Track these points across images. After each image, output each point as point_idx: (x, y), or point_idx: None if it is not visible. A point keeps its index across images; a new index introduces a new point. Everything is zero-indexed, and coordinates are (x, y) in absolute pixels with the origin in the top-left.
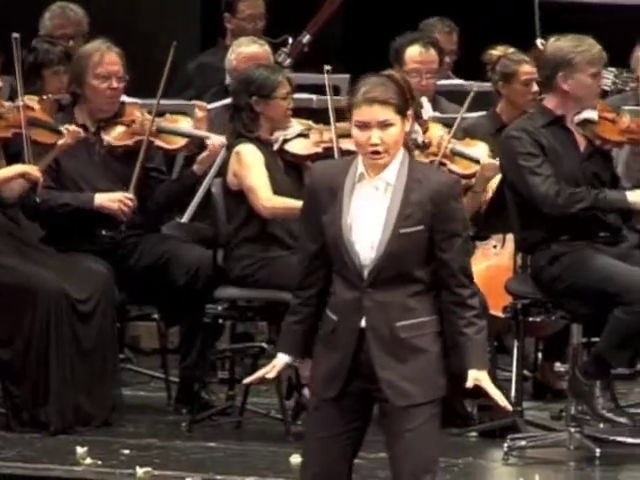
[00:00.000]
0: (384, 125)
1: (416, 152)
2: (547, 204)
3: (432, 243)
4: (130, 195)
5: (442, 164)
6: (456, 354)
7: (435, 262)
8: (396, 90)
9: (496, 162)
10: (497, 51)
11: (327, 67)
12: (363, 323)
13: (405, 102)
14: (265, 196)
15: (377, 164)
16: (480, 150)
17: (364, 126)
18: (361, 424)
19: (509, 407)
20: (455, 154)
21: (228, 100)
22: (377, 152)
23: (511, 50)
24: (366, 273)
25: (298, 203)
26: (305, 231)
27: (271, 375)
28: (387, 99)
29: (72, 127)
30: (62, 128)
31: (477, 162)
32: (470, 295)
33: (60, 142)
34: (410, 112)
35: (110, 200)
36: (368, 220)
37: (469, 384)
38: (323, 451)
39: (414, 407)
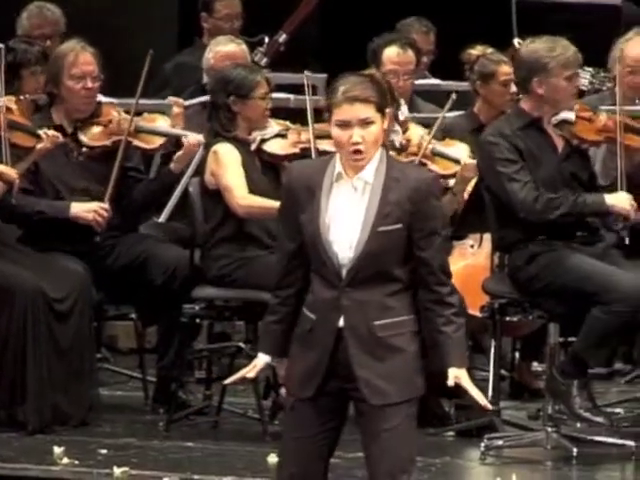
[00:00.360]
0: (365, 123)
1: (392, 153)
2: (525, 210)
3: (411, 241)
4: (105, 205)
5: (422, 164)
6: (435, 353)
7: (414, 260)
8: (375, 88)
9: (476, 162)
10: (476, 51)
11: (307, 72)
12: (341, 322)
13: (384, 100)
14: (241, 195)
15: (357, 165)
16: (460, 150)
17: (345, 125)
18: (337, 424)
19: (489, 406)
20: (435, 154)
21: (205, 97)
22: (359, 151)
23: (490, 50)
24: (344, 272)
25: (274, 203)
26: (283, 230)
27: (251, 375)
28: (368, 97)
29: (51, 132)
30: (41, 132)
31: (457, 162)
32: (449, 293)
33: (39, 146)
34: (389, 111)
35: (85, 211)
36: (346, 219)
37: (450, 382)
38: (300, 451)
39: (390, 406)
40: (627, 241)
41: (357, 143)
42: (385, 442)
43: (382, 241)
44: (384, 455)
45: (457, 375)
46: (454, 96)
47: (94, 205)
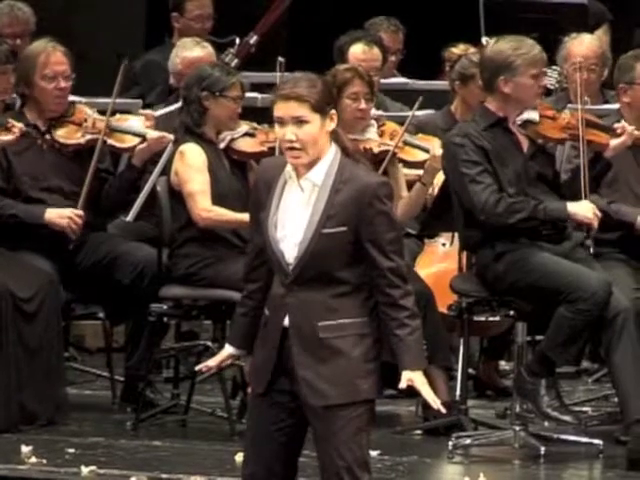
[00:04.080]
0: (298, 121)
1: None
2: (486, 213)
3: (358, 244)
4: (79, 212)
5: (394, 154)
6: (393, 354)
7: (365, 263)
8: (317, 88)
9: None
10: (458, 49)
11: (280, 59)
12: (286, 321)
13: (326, 101)
14: (203, 206)
15: (297, 163)
16: (433, 144)
17: (280, 122)
18: (294, 422)
19: (442, 409)
20: (406, 144)
21: (175, 106)
22: (292, 149)
23: (472, 50)
24: (290, 271)
25: (235, 216)
26: (252, 225)
27: (212, 364)
28: (301, 95)
29: (18, 124)
30: (9, 120)
31: (427, 151)
32: (402, 295)
33: (5, 139)
34: (334, 112)
35: (59, 217)
36: (293, 219)
37: (402, 385)
38: (258, 449)
39: (331, 409)
40: (592, 251)
41: (289, 141)
42: (330, 446)
43: (326, 243)
44: (330, 459)
45: (410, 378)
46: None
47: (68, 212)
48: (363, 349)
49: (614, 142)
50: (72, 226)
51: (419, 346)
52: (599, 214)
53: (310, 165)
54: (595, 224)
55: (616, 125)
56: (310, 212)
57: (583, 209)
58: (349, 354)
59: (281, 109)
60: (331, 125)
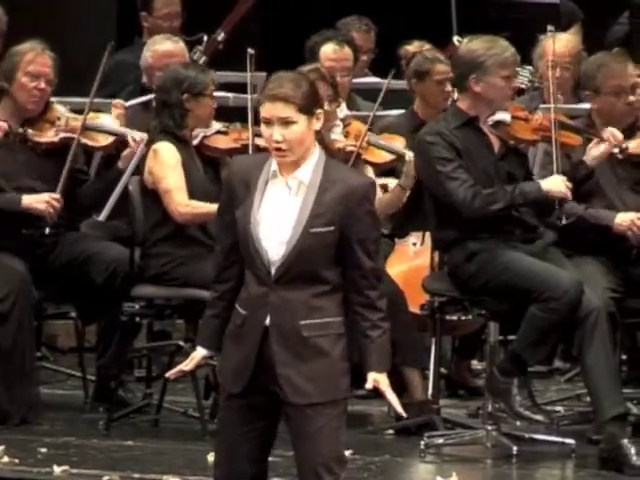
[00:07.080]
0: (285, 122)
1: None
2: (465, 208)
3: (342, 243)
4: (57, 195)
5: (359, 155)
6: (360, 355)
7: (345, 263)
8: (303, 89)
9: None
10: (413, 47)
11: (250, 51)
12: (268, 320)
13: (311, 102)
14: (179, 201)
15: (283, 162)
16: (398, 144)
17: (267, 122)
18: (268, 423)
19: (403, 414)
20: (371, 145)
21: (145, 98)
22: (280, 149)
23: (427, 46)
24: (274, 270)
25: (212, 208)
26: (221, 225)
27: (188, 368)
28: (288, 97)
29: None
30: None
31: (393, 153)
32: (378, 297)
33: None
34: (320, 111)
35: (37, 201)
36: (279, 217)
37: (368, 386)
38: (232, 449)
39: (313, 407)
40: (564, 221)
41: (277, 142)
42: (310, 444)
43: (313, 242)
44: (310, 456)
45: (375, 379)
46: (388, 82)
47: (46, 196)
48: (341, 348)
49: (596, 151)
50: (50, 210)
51: (387, 348)
52: (570, 184)
53: (296, 164)
54: (569, 195)
55: (604, 135)
56: (298, 211)
57: (556, 184)
58: (330, 353)
59: (268, 110)
60: (317, 124)
